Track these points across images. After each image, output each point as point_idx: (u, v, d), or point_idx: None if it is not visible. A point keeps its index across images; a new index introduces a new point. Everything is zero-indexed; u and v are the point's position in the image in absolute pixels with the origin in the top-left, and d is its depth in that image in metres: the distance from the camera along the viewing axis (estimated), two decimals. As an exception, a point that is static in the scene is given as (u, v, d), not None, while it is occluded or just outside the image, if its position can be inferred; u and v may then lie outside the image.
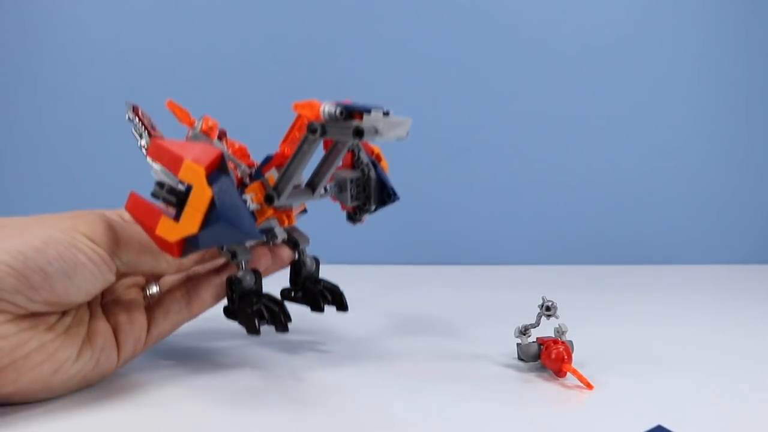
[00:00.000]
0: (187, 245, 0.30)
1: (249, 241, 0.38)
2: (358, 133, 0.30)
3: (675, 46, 0.77)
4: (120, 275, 0.33)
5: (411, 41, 0.76)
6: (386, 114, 0.31)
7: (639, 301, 0.58)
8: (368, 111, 0.31)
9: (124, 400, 0.32)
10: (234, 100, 0.76)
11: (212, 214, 0.29)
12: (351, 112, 0.31)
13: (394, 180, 0.44)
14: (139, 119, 0.38)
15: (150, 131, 0.38)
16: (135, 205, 0.32)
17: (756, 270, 0.75)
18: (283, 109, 0.81)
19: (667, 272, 0.73)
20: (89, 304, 0.34)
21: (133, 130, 0.38)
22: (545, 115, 0.77)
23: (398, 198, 0.41)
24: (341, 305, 0.41)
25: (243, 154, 0.39)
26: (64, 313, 0.32)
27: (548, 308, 0.38)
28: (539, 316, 0.38)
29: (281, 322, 0.36)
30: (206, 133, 0.37)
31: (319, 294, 0.40)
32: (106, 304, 0.35)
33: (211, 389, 0.34)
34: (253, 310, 0.35)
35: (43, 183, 0.78)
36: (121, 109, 0.39)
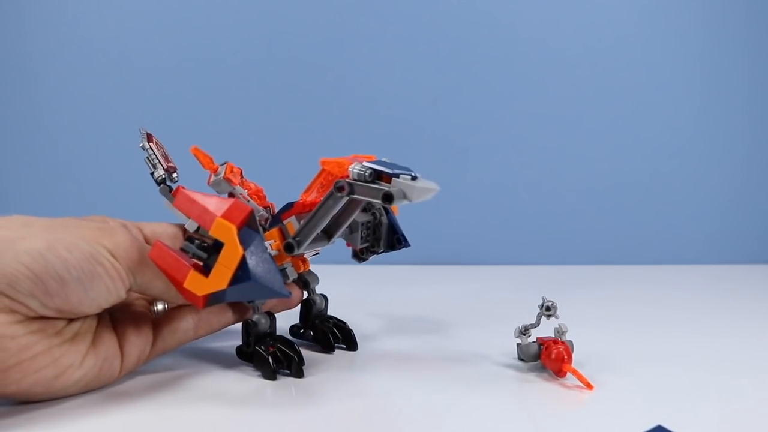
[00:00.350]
0: (212, 298, 0.31)
1: None
2: (388, 198, 0.31)
3: (675, 47, 0.77)
4: (129, 293, 0.33)
5: (411, 41, 0.76)
6: (414, 178, 0.32)
7: (639, 301, 0.58)
8: (396, 175, 0.31)
9: (127, 398, 0.32)
10: (234, 100, 0.76)
11: (242, 272, 0.30)
12: (379, 174, 0.32)
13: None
14: (153, 150, 0.38)
15: (163, 163, 0.38)
16: (160, 256, 0.32)
17: (757, 270, 0.75)
18: (282, 109, 0.82)
19: (667, 272, 0.73)
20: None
21: (147, 159, 0.38)
22: (545, 115, 0.77)
23: (409, 245, 0.41)
24: (351, 344, 0.42)
25: (260, 195, 0.40)
26: (72, 319, 0.31)
27: (548, 308, 0.38)
28: (539, 316, 0.38)
29: (298, 366, 0.36)
30: (229, 180, 0.38)
31: (330, 332, 0.41)
32: (114, 313, 0.35)
33: (212, 389, 0.34)
34: (268, 355, 0.36)
35: (43, 183, 0.78)
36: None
